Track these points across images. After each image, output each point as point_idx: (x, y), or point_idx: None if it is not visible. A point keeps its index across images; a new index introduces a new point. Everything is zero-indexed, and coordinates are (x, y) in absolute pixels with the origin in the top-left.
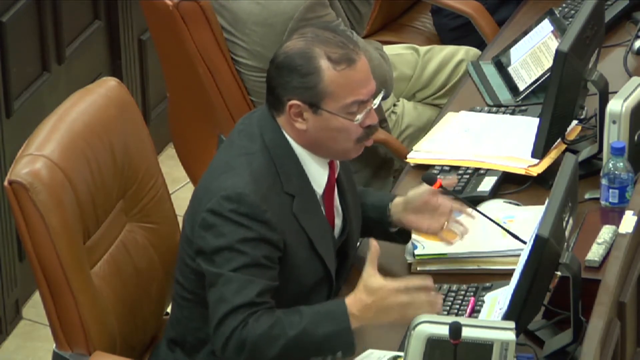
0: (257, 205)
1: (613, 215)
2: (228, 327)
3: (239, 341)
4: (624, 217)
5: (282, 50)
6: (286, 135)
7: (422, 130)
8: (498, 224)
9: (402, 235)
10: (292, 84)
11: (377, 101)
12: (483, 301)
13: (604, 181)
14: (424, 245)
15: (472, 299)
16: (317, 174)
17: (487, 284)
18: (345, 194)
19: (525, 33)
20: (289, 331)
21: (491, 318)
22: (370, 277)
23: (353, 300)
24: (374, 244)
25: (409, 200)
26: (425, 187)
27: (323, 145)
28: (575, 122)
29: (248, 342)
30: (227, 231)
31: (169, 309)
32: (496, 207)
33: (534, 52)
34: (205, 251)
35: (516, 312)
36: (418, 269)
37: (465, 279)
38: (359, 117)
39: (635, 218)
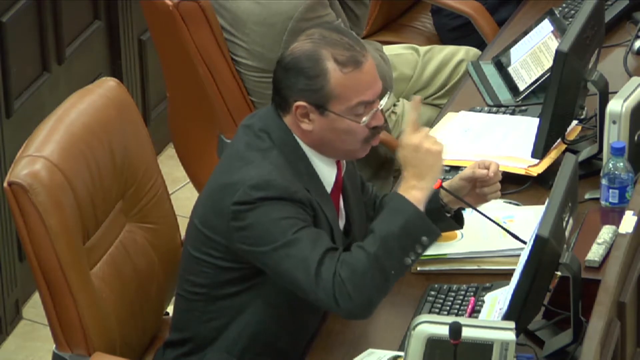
0: (286, 188)
1: (613, 215)
2: (326, 282)
3: (341, 287)
4: (624, 217)
5: (289, 52)
6: (293, 134)
7: None
8: (498, 224)
9: (458, 219)
10: (298, 86)
11: (383, 102)
12: (483, 301)
13: (604, 181)
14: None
15: (472, 299)
16: (326, 172)
17: (487, 284)
18: (349, 197)
19: (525, 33)
20: (370, 248)
21: (491, 318)
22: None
23: (401, 185)
24: (416, 98)
25: (460, 178)
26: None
27: (329, 145)
28: (575, 122)
29: (347, 284)
30: (266, 212)
31: (169, 309)
32: (496, 207)
33: (534, 52)
34: (253, 237)
35: (516, 312)
36: (418, 269)
37: (465, 279)
38: (365, 118)
39: (635, 218)
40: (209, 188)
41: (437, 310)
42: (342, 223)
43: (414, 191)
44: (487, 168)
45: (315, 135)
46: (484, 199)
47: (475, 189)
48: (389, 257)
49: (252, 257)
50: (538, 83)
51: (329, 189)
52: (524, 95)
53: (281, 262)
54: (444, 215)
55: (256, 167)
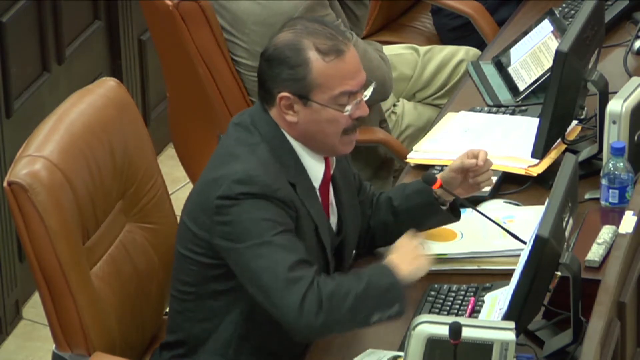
0: (268, 185)
1: (613, 215)
2: (299, 288)
3: (315, 299)
4: (624, 217)
5: (272, 43)
6: (280, 127)
7: (422, 130)
8: (498, 224)
9: (454, 212)
10: (281, 76)
11: (368, 92)
12: (483, 301)
13: (604, 181)
14: (424, 246)
15: (472, 299)
16: (314, 166)
17: (487, 284)
18: (341, 193)
19: (525, 33)
20: (356, 285)
21: (491, 318)
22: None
23: (389, 261)
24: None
25: (450, 170)
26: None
27: (313, 138)
28: (575, 122)
29: (324, 299)
30: (247, 210)
31: (168, 309)
32: (496, 207)
33: (534, 52)
34: (233, 234)
35: (516, 312)
36: None
37: (465, 279)
38: (349, 107)
39: (635, 218)
40: (198, 185)
41: (437, 310)
42: (333, 220)
43: (398, 270)
44: (476, 157)
45: (300, 127)
46: (478, 188)
47: (468, 180)
48: (365, 303)
49: (225, 253)
50: (538, 83)
51: (316, 184)
52: (524, 95)
53: (251, 260)
54: (439, 209)
55: (242, 162)
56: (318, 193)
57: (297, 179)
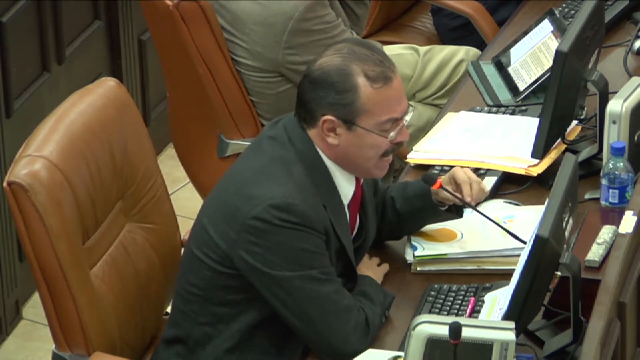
0: (307, 214)
1: (613, 215)
2: (348, 317)
3: (362, 327)
4: (624, 217)
5: (318, 66)
6: (316, 147)
7: (422, 130)
8: (498, 224)
9: (456, 208)
10: (327, 100)
11: (408, 118)
12: (483, 301)
13: (604, 181)
14: (424, 246)
15: (472, 299)
16: (345, 185)
17: (487, 284)
18: (367, 206)
19: (525, 33)
20: (374, 304)
21: (491, 318)
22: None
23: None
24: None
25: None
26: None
27: (351, 160)
28: (575, 122)
29: (368, 324)
30: (286, 239)
31: (168, 309)
32: (496, 207)
33: (534, 52)
34: (268, 260)
35: (516, 312)
36: (418, 269)
37: (465, 279)
38: (392, 134)
39: (635, 218)
40: (227, 192)
41: (437, 310)
42: (354, 230)
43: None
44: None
45: (340, 150)
46: None
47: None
48: (381, 317)
49: (251, 272)
50: (538, 83)
51: (346, 201)
52: (524, 95)
53: (293, 291)
54: (439, 210)
55: (279, 186)
56: (347, 210)
57: (329, 200)
